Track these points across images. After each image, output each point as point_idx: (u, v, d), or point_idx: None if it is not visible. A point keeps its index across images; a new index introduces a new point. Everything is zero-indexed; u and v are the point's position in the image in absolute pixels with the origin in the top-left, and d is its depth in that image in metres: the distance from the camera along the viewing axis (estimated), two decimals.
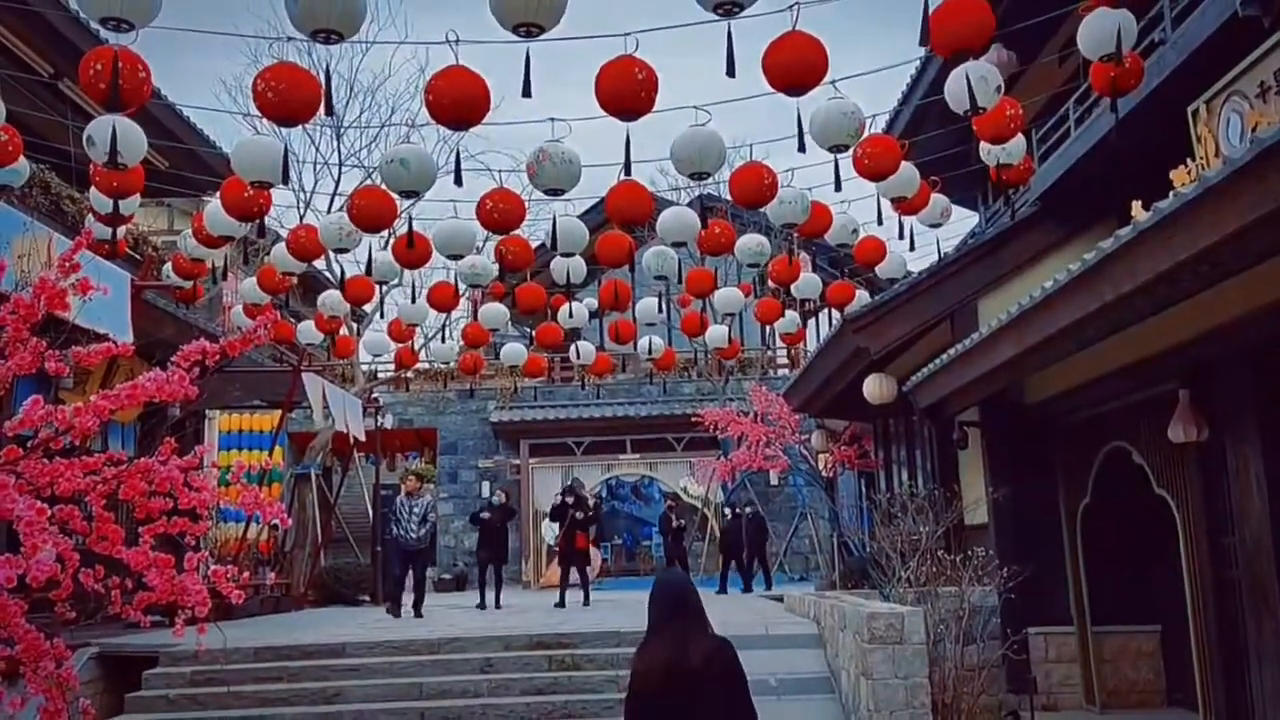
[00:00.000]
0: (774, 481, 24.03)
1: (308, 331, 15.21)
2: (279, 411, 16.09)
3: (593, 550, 23.45)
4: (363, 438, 17.91)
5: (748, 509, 20.54)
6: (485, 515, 15.55)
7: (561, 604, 14.93)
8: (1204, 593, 8.05)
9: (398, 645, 10.01)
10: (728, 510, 19.84)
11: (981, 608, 9.17)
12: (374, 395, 21.43)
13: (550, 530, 20.03)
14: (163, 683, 9.34)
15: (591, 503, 21.66)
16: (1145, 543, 9.71)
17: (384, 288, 12.64)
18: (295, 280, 12.65)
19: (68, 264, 4.54)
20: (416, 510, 14.20)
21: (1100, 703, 9.90)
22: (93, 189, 7.53)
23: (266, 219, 9.50)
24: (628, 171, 6.86)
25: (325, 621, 13.58)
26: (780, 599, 13.43)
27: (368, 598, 18.05)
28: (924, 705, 7.30)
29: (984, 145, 7.92)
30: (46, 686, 4.28)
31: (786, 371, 24.47)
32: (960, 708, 8.33)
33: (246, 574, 4.46)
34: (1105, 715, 9.73)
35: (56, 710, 4.35)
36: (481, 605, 14.83)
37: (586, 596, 15.60)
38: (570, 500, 16.30)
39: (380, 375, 23.19)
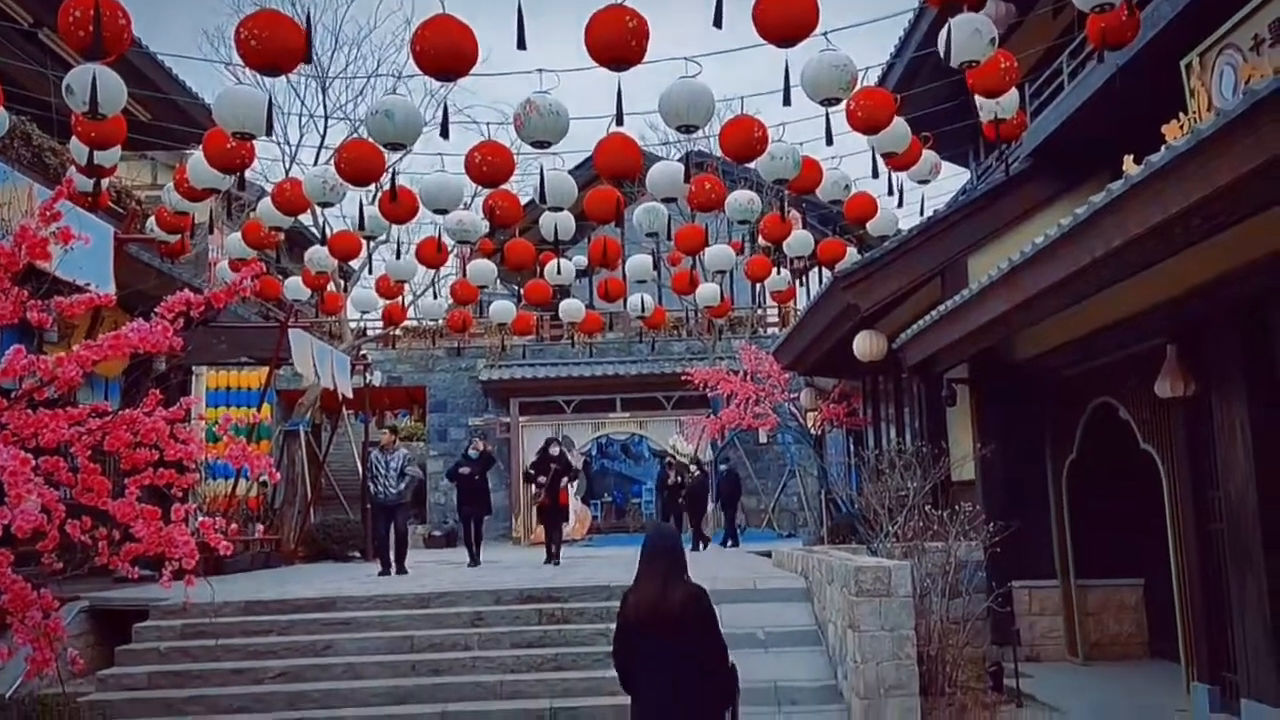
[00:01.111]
0: (763, 439, 24.10)
1: (295, 288, 15.10)
2: (267, 368, 16.03)
3: (582, 507, 23.56)
4: (350, 395, 17.87)
5: (722, 466, 20.59)
6: (464, 470, 15.09)
7: (550, 559, 14.87)
8: (1187, 546, 8.11)
9: (389, 599, 10.05)
10: (693, 467, 19.81)
11: (967, 562, 9.24)
12: (362, 352, 21.38)
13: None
14: (153, 635, 9.37)
15: (580, 461, 21.56)
16: (1130, 498, 9.78)
17: (371, 244, 12.59)
18: (281, 236, 12.55)
19: (48, 213, 4.49)
20: (393, 465, 14.05)
21: (1083, 654, 10.01)
22: (73, 139, 7.43)
23: (251, 173, 9.42)
24: (619, 122, 6.79)
25: (315, 576, 13.64)
26: (769, 554, 13.52)
27: (358, 553, 18.11)
28: (910, 656, 7.38)
29: (978, 99, 7.86)
30: (34, 636, 4.28)
31: (776, 330, 24.47)
32: (945, 659, 8.41)
33: (235, 526, 4.47)
34: (1088, 666, 9.84)
35: (44, 660, 4.36)
36: (472, 562, 14.79)
37: (556, 554, 14.86)
38: (554, 452, 15.92)
39: (369, 332, 23.14)
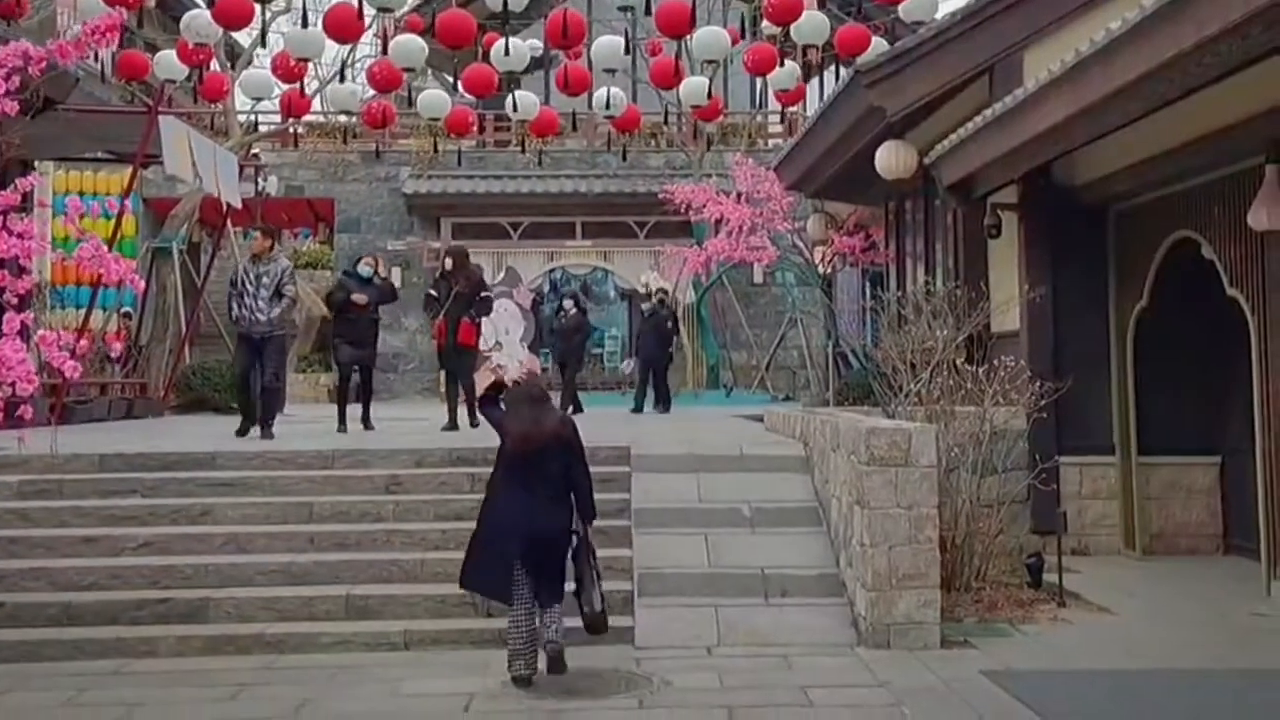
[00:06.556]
0: (758, 278, 24.18)
1: (168, 65, 14.72)
2: (130, 168, 15.74)
3: (529, 356, 23.49)
4: (239, 205, 17.66)
5: (568, 303, 18.39)
6: (357, 298, 12.99)
7: (452, 425, 12.87)
8: (1277, 416, 8.24)
9: (282, 458, 10.08)
10: (644, 306, 18.50)
11: (1006, 431, 9.39)
12: (254, 152, 21.03)
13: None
14: None
15: (528, 300, 20.98)
16: (1211, 356, 9.90)
17: (267, 10, 12.18)
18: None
19: None
20: (265, 281, 12.29)
21: (1141, 547, 10.26)
22: None
23: None
24: None
25: (189, 429, 13.66)
26: (760, 418, 13.66)
27: None
28: (930, 540, 7.48)
29: None
30: None
31: (780, 141, 24.26)
32: (973, 548, 8.62)
33: (85, 347, 4.37)
34: (1147, 561, 10.10)
35: None
36: (341, 426, 13.02)
37: (472, 413, 12.63)
38: (449, 266, 13.35)
39: (262, 127, 22.69)
